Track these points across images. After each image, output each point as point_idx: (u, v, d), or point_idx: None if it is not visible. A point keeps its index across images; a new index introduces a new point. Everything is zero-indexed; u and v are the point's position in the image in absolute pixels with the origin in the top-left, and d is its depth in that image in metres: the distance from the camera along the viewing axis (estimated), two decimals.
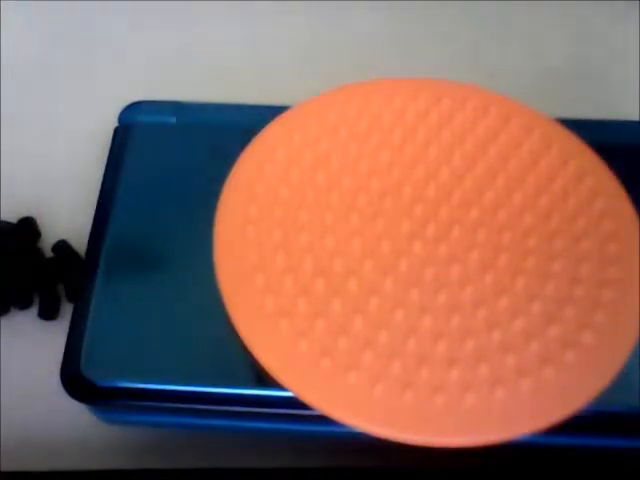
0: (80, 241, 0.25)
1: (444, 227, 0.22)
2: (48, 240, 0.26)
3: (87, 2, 0.33)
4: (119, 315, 0.22)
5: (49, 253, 0.26)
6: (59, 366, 0.22)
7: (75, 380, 0.22)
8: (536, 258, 0.21)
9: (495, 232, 0.22)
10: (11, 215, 0.27)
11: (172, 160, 0.26)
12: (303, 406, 0.19)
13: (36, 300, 0.25)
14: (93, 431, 0.23)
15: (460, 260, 0.21)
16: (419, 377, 0.20)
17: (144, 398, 0.21)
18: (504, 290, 0.21)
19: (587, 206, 0.22)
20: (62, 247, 0.26)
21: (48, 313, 0.25)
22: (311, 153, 0.23)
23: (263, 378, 0.20)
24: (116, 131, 0.27)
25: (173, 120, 0.26)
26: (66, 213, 0.27)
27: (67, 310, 0.25)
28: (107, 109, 0.27)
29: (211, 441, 0.23)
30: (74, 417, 0.23)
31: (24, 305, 0.25)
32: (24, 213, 0.27)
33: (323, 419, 0.19)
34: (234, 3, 0.32)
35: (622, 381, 0.20)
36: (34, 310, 0.25)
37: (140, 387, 0.21)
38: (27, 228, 0.26)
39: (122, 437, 0.23)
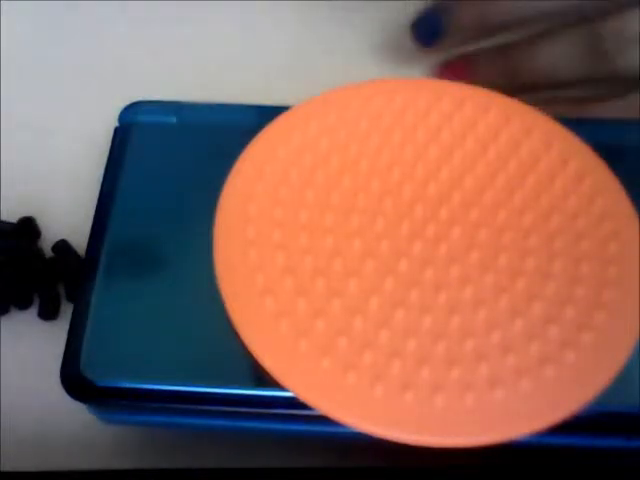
0: (80, 241, 0.25)
1: (444, 227, 0.22)
2: (48, 240, 0.26)
3: (87, 2, 0.33)
4: (119, 315, 0.22)
5: (49, 253, 0.26)
6: (59, 366, 0.22)
7: (75, 380, 0.22)
8: (536, 258, 0.21)
9: (495, 232, 0.22)
10: (11, 215, 0.27)
11: (172, 160, 0.26)
12: (303, 406, 0.19)
13: (36, 300, 0.25)
14: (93, 431, 0.23)
15: (460, 260, 0.21)
16: (419, 377, 0.20)
17: (144, 398, 0.21)
18: (504, 290, 0.21)
19: (587, 206, 0.22)
20: (62, 247, 0.26)
21: (48, 313, 0.25)
22: (311, 153, 0.23)
23: (263, 378, 0.20)
24: (116, 131, 0.27)
25: (173, 120, 0.26)
26: (66, 213, 0.27)
27: (67, 310, 0.25)
28: (107, 109, 0.27)
29: (211, 441, 0.23)
30: (74, 417, 0.23)
31: (24, 305, 0.25)
32: (24, 213, 0.27)
33: (323, 419, 0.19)
34: (234, 3, 0.32)
35: (622, 381, 0.20)
36: (34, 310, 0.25)
37: (140, 387, 0.21)
38: (27, 228, 0.26)
39: (122, 437, 0.23)
